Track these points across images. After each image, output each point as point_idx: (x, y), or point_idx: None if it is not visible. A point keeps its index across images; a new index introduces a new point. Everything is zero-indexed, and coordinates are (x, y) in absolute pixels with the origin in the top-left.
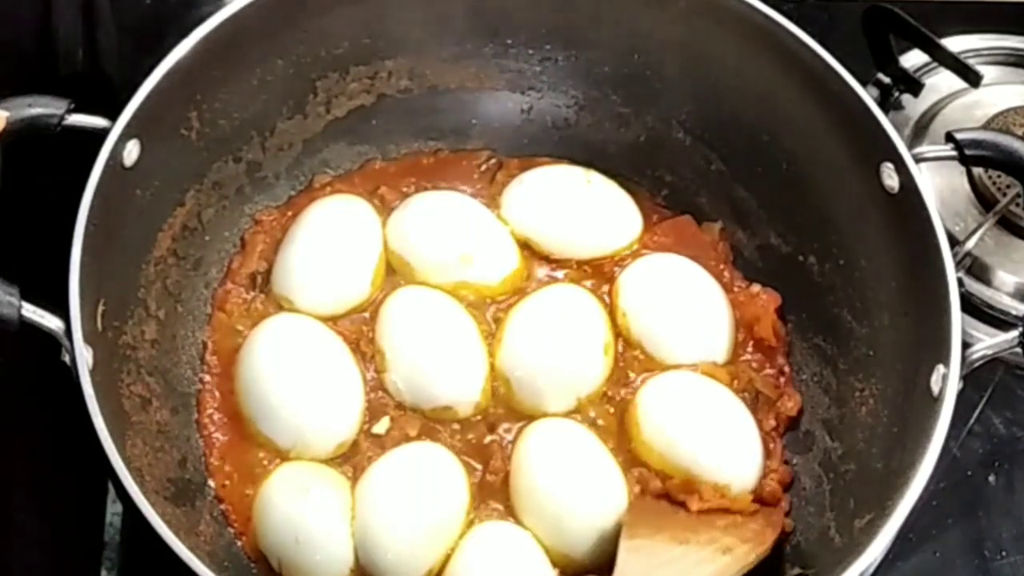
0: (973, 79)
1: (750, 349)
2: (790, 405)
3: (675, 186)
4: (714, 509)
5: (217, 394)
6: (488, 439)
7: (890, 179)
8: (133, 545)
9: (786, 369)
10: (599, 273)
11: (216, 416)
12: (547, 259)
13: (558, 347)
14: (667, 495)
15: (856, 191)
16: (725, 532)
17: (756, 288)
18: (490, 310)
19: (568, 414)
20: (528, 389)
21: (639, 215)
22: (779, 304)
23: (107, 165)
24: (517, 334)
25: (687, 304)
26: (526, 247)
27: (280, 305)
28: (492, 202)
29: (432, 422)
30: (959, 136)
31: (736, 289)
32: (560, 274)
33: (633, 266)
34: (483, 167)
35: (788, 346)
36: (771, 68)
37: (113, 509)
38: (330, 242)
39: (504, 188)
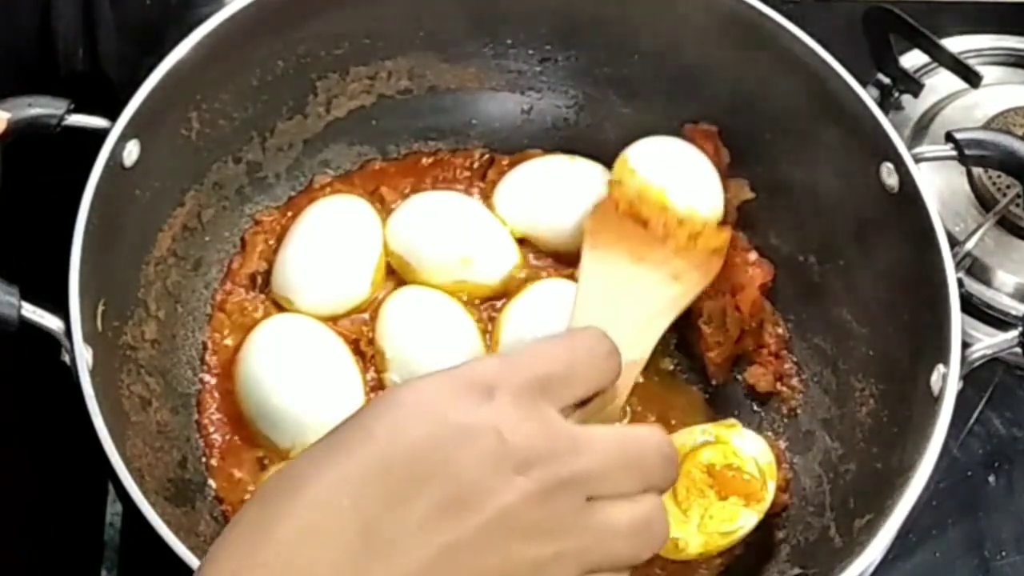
0: (973, 79)
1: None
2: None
3: None
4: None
5: (217, 394)
6: None
7: (890, 179)
8: (133, 545)
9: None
10: None
11: (216, 416)
12: (542, 252)
13: None
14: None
15: (856, 191)
16: (676, 255)
17: (753, 256)
18: (487, 309)
19: None
20: None
21: None
22: (768, 280)
23: (107, 165)
24: (514, 331)
25: None
26: (522, 242)
27: (280, 305)
28: (486, 200)
29: None
30: (959, 136)
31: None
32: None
33: None
34: (475, 164)
35: (788, 344)
36: (771, 68)
37: (113, 509)
38: (330, 242)
39: (496, 184)
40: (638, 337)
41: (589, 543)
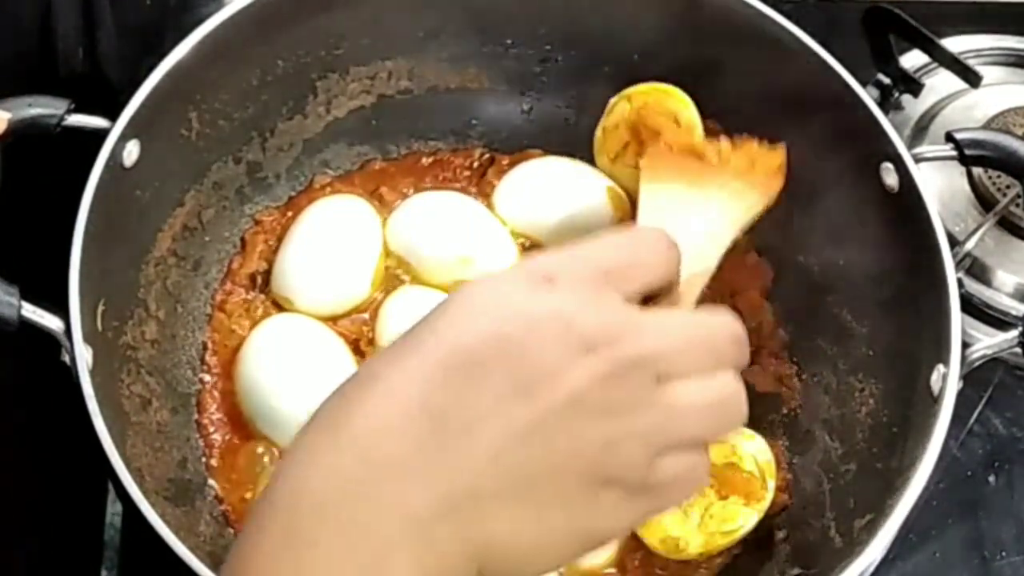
0: (973, 79)
1: None
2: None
3: None
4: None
5: (217, 394)
6: None
7: (890, 179)
8: (133, 545)
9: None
10: None
11: (216, 416)
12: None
13: None
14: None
15: (856, 191)
16: (735, 177)
17: (752, 259)
18: None
19: None
20: None
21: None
22: (768, 282)
23: (107, 165)
24: None
25: None
26: (521, 241)
27: (280, 305)
28: (486, 200)
29: None
30: (959, 136)
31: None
32: None
33: None
34: (475, 164)
35: (788, 344)
36: (771, 68)
37: (113, 509)
38: (330, 242)
39: (496, 183)
40: (701, 249)
41: (660, 420)
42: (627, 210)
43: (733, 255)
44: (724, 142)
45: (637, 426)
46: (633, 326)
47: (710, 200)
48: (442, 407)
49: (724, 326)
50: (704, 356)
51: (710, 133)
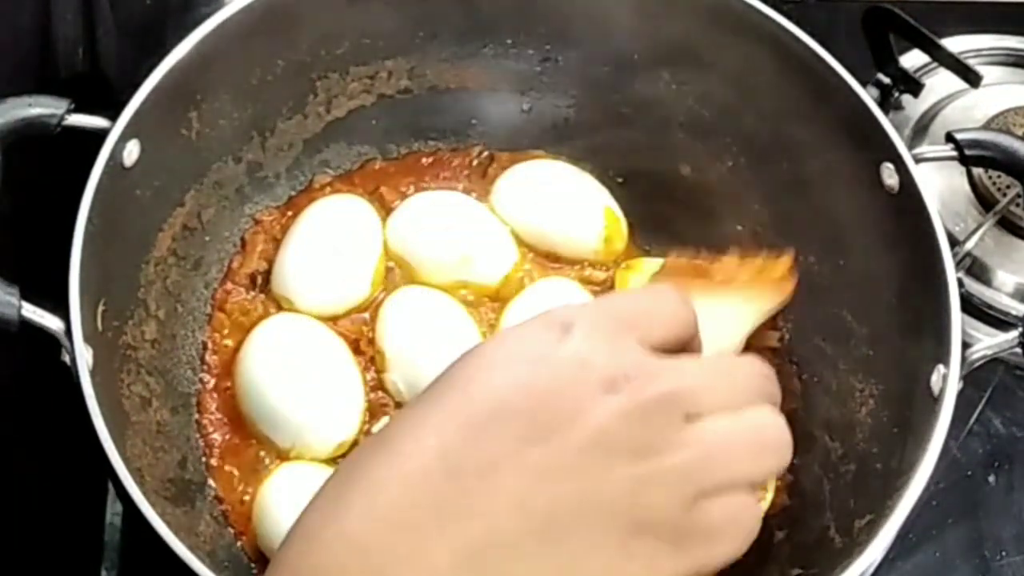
0: (973, 79)
1: None
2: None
3: None
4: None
5: (217, 394)
6: None
7: (890, 179)
8: (133, 545)
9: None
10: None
11: (216, 416)
12: (543, 252)
13: None
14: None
15: (856, 191)
16: (748, 284)
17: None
18: (488, 308)
19: None
20: None
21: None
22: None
23: (107, 165)
24: None
25: None
26: (520, 241)
27: (280, 305)
28: (486, 200)
29: None
30: (959, 136)
31: None
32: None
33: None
34: (474, 162)
35: (787, 344)
36: (770, 68)
37: (113, 509)
38: (330, 242)
39: (496, 183)
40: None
41: (693, 461)
42: (621, 232)
43: None
44: (730, 259)
45: (666, 467)
46: (654, 366)
47: (720, 308)
48: (459, 456)
49: (749, 363)
50: (733, 391)
51: (710, 142)
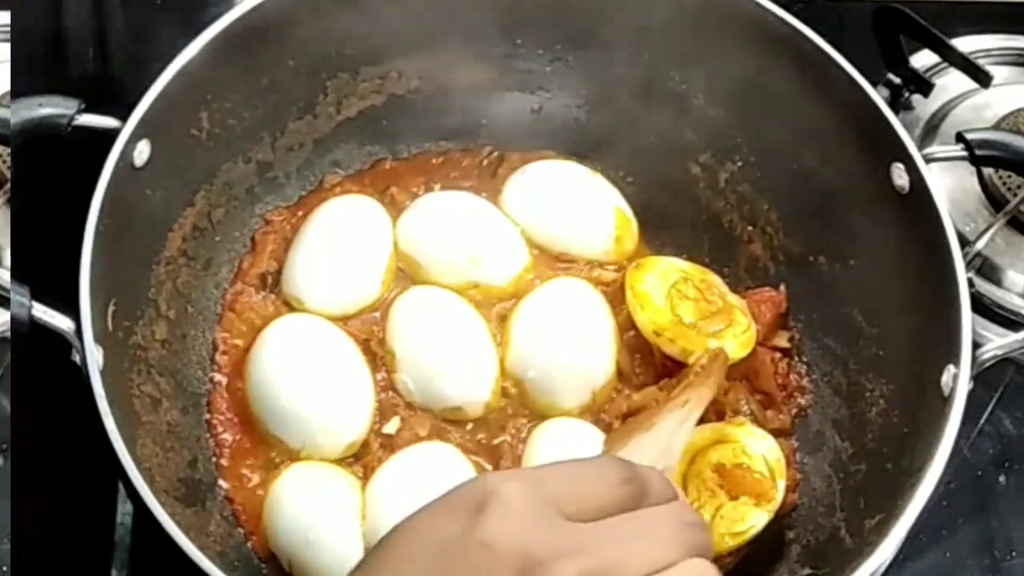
0: (983, 79)
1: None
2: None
3: None
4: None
5: (227, 394)
6: (498, 439)
7: (900, 179)
8: (144, 545)
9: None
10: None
11: (226, 416)
12: (552, 252)
13: (567, 343)
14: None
15: (867, 191)
16: (683, 391)
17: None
18: (496, 309)
19: (581, 412)
20: (543, 389)
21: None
22: (783, 310)
23: (117, 165)
24: (525, 334)
25: None
26: (530, 241)
27: (290, 305)
28: (496, 200)
29: (442, 422)
30: (969, 136)
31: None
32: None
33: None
34: (484, 162)
35: (798, 344)
36: (781, 68)
37: (124, 509)
38: (340, 242)
39: (506, 183)
40: (663, 453)
41: None
42: (632, 232)
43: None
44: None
45: None
46: (571, 545)
47: (665, 421)
48: None
49: (673, 514)
50: (657, 552)
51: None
